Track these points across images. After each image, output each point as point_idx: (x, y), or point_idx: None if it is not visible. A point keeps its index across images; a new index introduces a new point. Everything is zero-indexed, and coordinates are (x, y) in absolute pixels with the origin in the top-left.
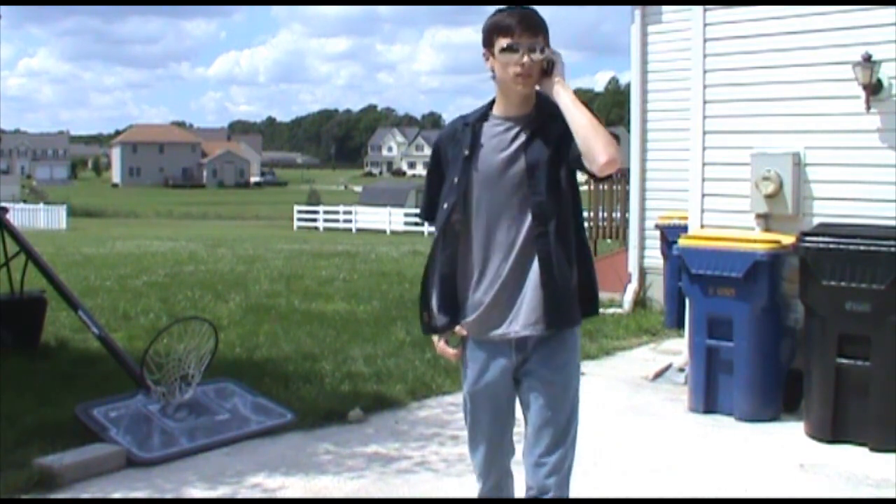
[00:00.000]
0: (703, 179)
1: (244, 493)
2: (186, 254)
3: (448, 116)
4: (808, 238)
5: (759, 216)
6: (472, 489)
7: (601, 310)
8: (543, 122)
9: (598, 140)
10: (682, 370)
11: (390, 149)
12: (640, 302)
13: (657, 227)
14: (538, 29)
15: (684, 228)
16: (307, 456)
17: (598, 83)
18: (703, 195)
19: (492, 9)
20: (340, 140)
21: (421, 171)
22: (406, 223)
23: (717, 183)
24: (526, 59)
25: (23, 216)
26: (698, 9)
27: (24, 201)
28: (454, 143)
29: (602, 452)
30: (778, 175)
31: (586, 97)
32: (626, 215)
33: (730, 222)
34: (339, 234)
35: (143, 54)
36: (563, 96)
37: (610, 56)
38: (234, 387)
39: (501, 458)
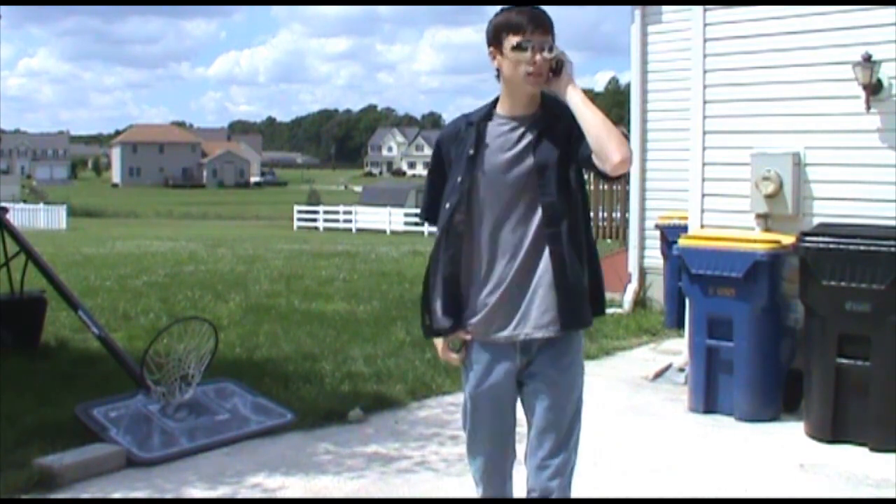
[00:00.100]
0: (703, 179)
1: (244, 493)
2: (186, 254)
3: (448, 116)
4: (808, 238)
5: (759, 216)
6: (473, 489)
7: None
8: (550, 122)
9: (611, 139)
10: (682, 370)
11: (390, 149)
12: (640, 302)
13: (657, 227)
14: (548, 27)
15: (684, 228)
16: (307, 456)
17: (598, 83)
18: (703, 195)
19: (492, 8)
20: (340, 140)
21: (421, 171)
22: (406, 223)
23: (717, 183)
24: (538, 57)
25: (23, 216)
26: (698, 9)
27: (24, 201)
28: (457, 143)
29: (602, 452)
30: (778, 175)
31: (586, 97)
32: (626, 215)
33: (730, 222)
34: (339, 234)
35: (143, 54)
36: (574, 96)
37: (610, 56)
38: (234, 387)
39: (502, 463)
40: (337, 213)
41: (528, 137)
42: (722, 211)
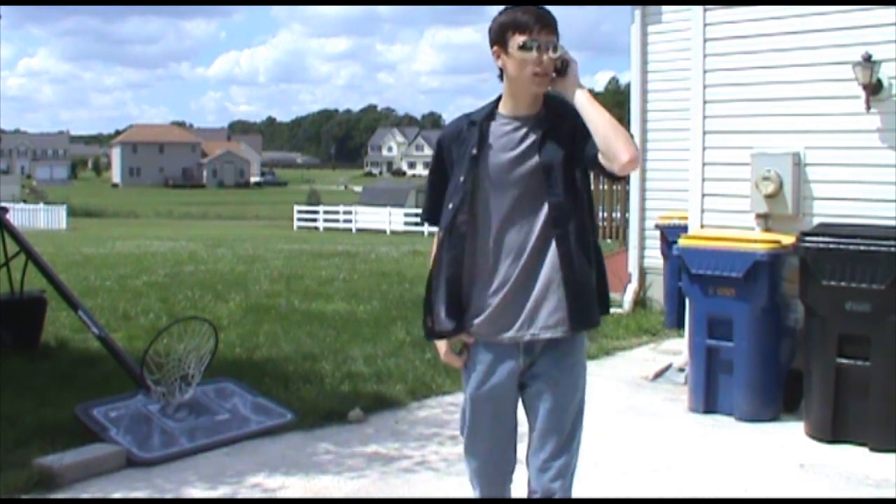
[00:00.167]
0: (703, 179)
1: (244, 493)
2: (186, 254)
3: (448, 116)
4: (808, 238)
5: (759, 216)
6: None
7: None
8: (554, 121)
9: (619, 139)
10: (682, 370)
11: (390, 149)
12: (640, 302)
13: (657, 227)
14: (554, 27)
15: (684, 228)
16: (307, 456)
17: (598, 83)
18: (703, 195)
19: (492, 8)
20: (340, 140)
21: (421, 171)
22: (406, 223)
23: (717, 183)
24: (545, 57)
25: (23, 216)
26: (698, 9)
27: (24, 201)
28: (459, 143)
29: (602, 452)
30: (778, 175)
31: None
32: (626, 215)
33: (730, 222)
34: (339, 234)
35: (143, 54)
36: (581, 96)
37: (610, 56)
38: (234, 387)
39: (502, 466)
40: (337, 213)
41: (532, 137)
42: (722, 211)
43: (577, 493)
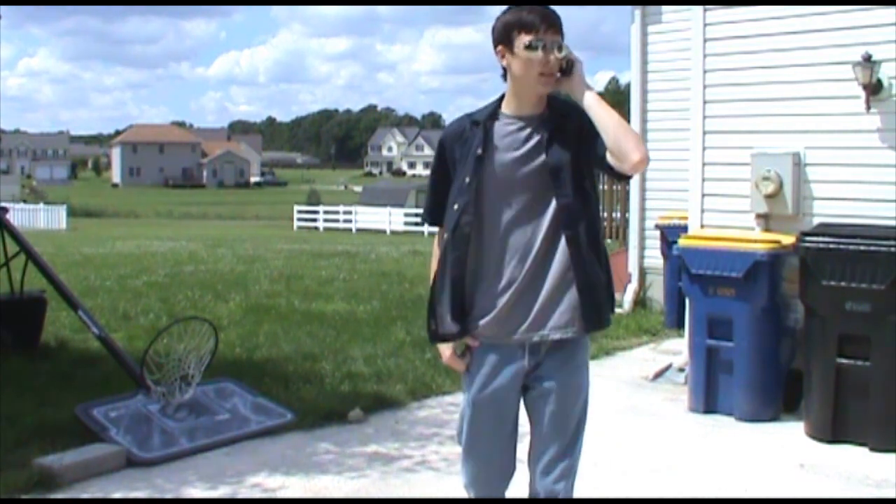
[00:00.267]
0: (703, 179)
1: (244, 493)
2: (186, 254)
3: (448, 116)
4: (808, 238)
5: (759, 216)
6: None
7: None
8: (558, 122)
9: (629, 138)
10: (682, 370)
11: (390, 149)
12: (640, 302)
13: (657, 227)
14: (559, 26)
15: (684, 228)
16: (307, 456)
17: (598, 83)
18: (703, 195)
19: (491, 8)
20: (340, 140)
21: (421, 171)
22: (406, 223)
23: (717, 183)
24: (552, 57)
25: (23, 216)
26: (698, 9)
27: (24, 201)
28: (462, 142)
29: (602, 452)
30: (778, 175)
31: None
32: (626, 215)
33: (730, 222)
34: (339, 234)
35: (143, 54)
36: (589, 97)
37: (610, 56)
38: (234, 387)
39: (501, 473)
40: (337, 213)
41: (537, 137)
42: (722, 211)
43: (577, 493)
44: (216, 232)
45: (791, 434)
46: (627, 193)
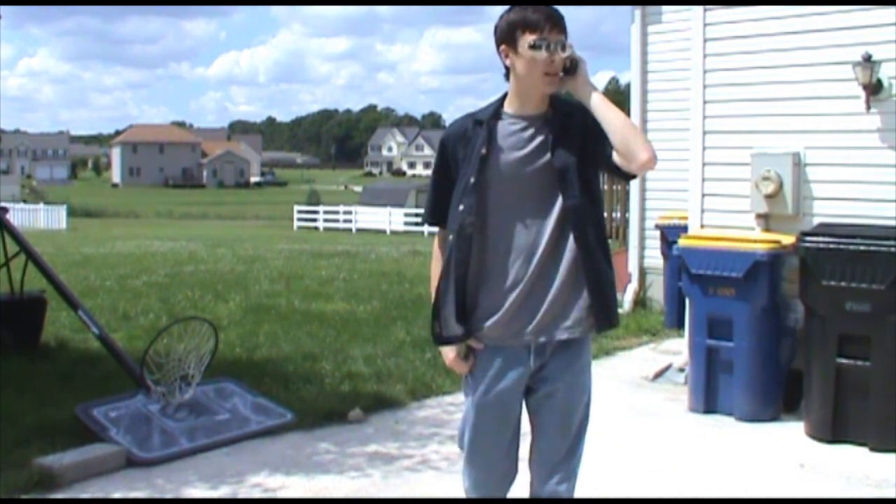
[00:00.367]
0: (703, 179)
1: (244, 493)
2: (186, 254)
3: (448, 116)
4: (808, 238)
5: (759, 216)
6: None
7: None
8: (562, 122)
9: (637, 138)
10: (682, 370)
11: (390, 149)
12: (640, 302)
13: (657, 227)
14: (563, 26)
15: (684, 228)
16: (307, 456)
17: (598, 83)
18: (703, 195)
19: (491, 8)
20: (340, 140)
21: (421, 171)
22: (406, 223)
23: (717, 183)
24: (556, 56)
25: (23, 216)
26: (698, 9)
27: (24, 201)
28: (464, 142)
29: (602, 452)
30: (778, 175)
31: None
32: (626, 215)
33: (730, 222)
34: (339, 234)
35: (143, 54)
36: (595, 97)
37: (610, 56)
38: (234, 387)
39: (504, 477)
40: (337, 213)
41: (540, 137)
42: (722, 211)
43: (577, 493)
44: (216, 232)
45: (791, 434)
46: (627, 193)
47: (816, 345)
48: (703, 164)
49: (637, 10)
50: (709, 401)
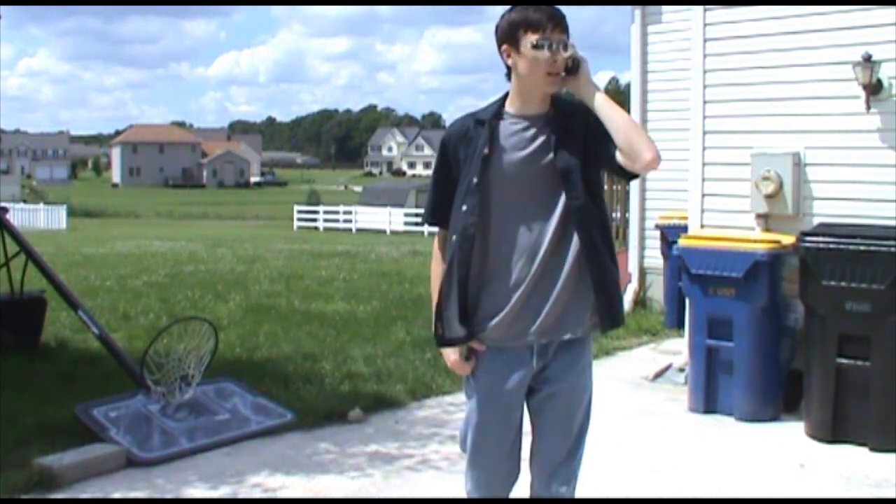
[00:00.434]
0: (703, 179)
1: (244, 493)
2: (186, 254)
3: (448, 116)
4: (808, 238)
5: (759, 216)
6: None
7: None
8: (564, 121)
9: (641, 138)
10: (682, 370)
11: (390, 149)
12: (640, 302)
13: (657, 227)
14: (565, 26)
15: (684, 228)
16: (307, 456)
17: (599, 83)
18: (703, 195)
19: (492, 8)
20: (340, 140)
21: (421, 171)
22: (406, 223)
23: (717, 183)
24: (558, 56)
25: (23, 216)
26: (698, 9)
27: (24, 201)
28: (466, 142)
29: (602, 452)
30: (778, 175)
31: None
32: (626, 215)
33: (730, 222)
34: (339, 234)
35: (143, 54)
36: (598, 96)
37: (610, 56)
38: (234, 387)
39: (507, 479)
40: (337, 213)
41: (542, 137)
42: (722, 211)
43: (577, 493)
44: (216, 232)
45: (791, 434)
46: (627, 193)
47: (816, 345)
48: (703, 164)
49: (637, 10)
50: (709, 401)
